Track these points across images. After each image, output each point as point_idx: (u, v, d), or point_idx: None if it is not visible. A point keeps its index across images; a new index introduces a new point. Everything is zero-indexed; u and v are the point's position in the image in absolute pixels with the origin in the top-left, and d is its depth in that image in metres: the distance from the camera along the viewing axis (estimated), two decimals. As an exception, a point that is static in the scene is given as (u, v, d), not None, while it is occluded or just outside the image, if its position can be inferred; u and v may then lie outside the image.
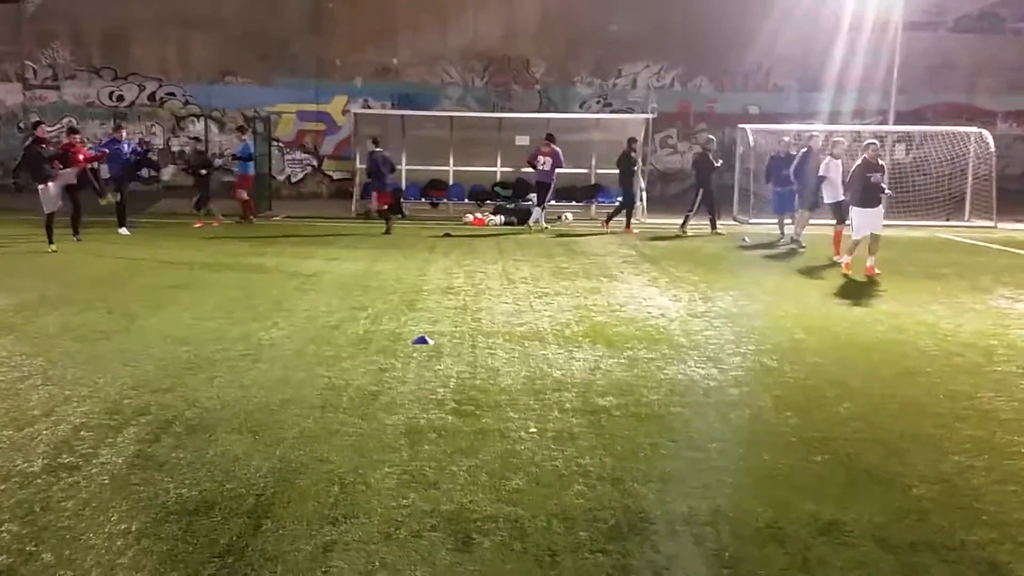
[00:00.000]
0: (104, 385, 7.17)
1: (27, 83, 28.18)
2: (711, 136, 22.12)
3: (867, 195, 13.85)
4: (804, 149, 17.31)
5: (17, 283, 11.88)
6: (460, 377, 7.63)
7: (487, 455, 5.80)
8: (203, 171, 20.40)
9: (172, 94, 28.35)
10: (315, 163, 29.03)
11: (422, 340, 8.86)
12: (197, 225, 19.45)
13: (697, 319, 10.34)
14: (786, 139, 18.89)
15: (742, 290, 12.37)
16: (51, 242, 14.98)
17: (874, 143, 14.30)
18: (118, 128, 20.05)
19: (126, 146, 18.60)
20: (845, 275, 13.72)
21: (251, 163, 21.40)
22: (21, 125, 27.62)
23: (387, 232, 18.82)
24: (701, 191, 20.02)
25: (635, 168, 20.88)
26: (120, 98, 28.24)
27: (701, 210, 20.04)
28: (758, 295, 12.06)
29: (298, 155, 28.90)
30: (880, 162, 14.28)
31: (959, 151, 22.76)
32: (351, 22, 28.33)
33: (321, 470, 5.50)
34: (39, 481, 5.27)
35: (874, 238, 13.89)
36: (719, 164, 20.39)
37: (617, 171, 20.96)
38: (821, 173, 15.89)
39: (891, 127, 24.40)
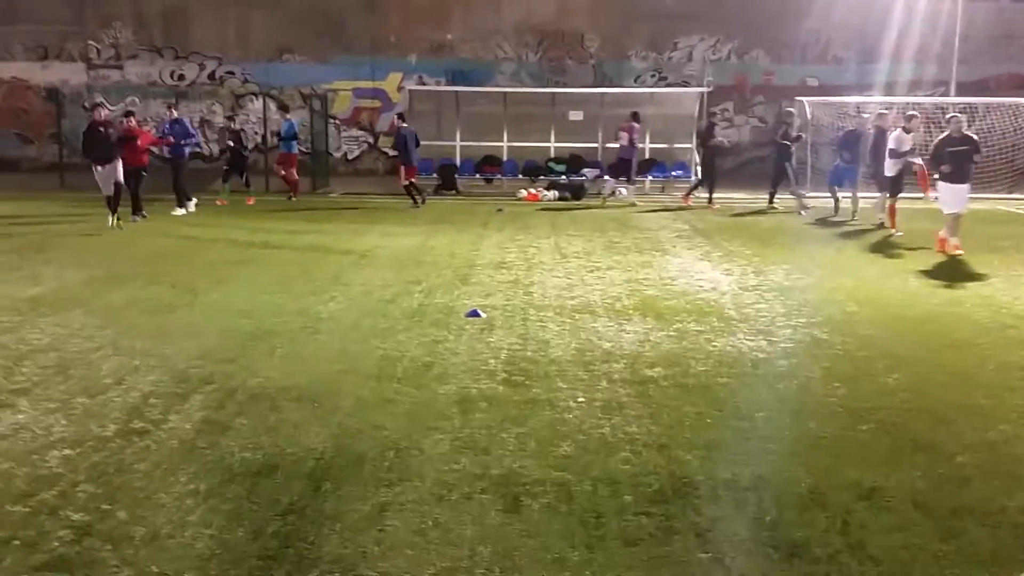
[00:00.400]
0: (171, 355, 7.48)
1: (90, 63, 28.87)
2: (789, 108, 21.70)
3: (950, 170, 13.20)
4: (873, 130, 16.96)
5: (86, 259, 12.33)
6: (511, 349, 7.80)
7: (536, 423, 5.97)
8: (230, 143, 20.82)
9: (231, 72, 28.86)
10: (371, 140, 29.37)
11: (475, 313, 9.05)
12: (250, 202, 19.85)
13: (748, 292, 10.38)
14: (866, 115, 18.51)
15: (795, 264, 12.36)
16: (116, 218, 15.44)
17: (957, 116, 13.69)
18: (169, 107, 19.94)
19: (183, 124, 18.84)
20: (952, 255, 13.05)
21: (294, 142, 21.61)
22: (85, 104, 28.33)
23: (415, 205, 19.51)
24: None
25: (713, 143, 20.52)
26: (181, 77, 28.83)
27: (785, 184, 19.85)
28: (811, 269, 12.04)
29: (354, 132, 29.26)
30: (967, 134, 13.65)
31: (1023, 122, 22.30)
32: (405, -1, 28.55)
33: (377, 436, 5.72)
34: (112, 445, 5.56)
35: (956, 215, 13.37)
36: (786, 140, 19.82)
37: (697, 145, 21.14)
38: (891, 146, 15.48)
39: (953, 99, 23.92)
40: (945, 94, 25.27)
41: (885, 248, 14.03)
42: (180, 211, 17.81)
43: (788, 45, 28.77)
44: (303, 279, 10.98)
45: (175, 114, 19.13)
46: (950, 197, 13.37)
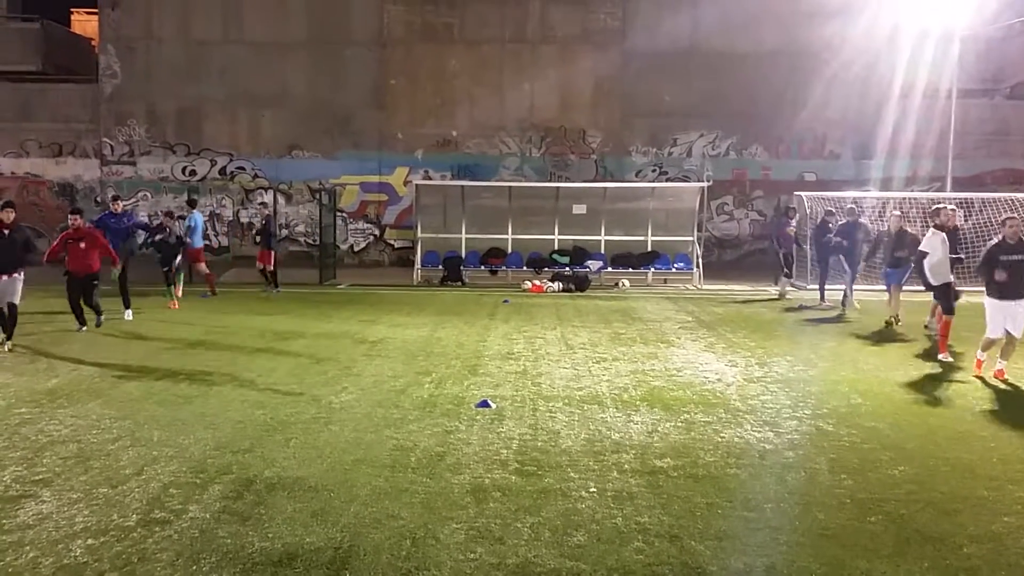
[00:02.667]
0: (188, 446, 7.62)
1: (104, 159, 29.54)
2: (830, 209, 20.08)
3: (1001, 282, 10.89)
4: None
5: (100, 351, 12.52)
6: (522, 439, 7.95)
7: (549, 513, 6.09)
8: (157, 236, 17.99)
9: (242, 168, 29.53)
10: (377, 232, 29.86)
11: (485, 404, 9.21)
12: (172, 306, 17.48)
13: (754, 384, 10.54)
14: (896, 213, 16.78)
15: (798, 356, 12.54)
16: (9, 338, 12.82)
17: (1014, 218, 11.26)
18: (114, 200, 17.09)
19: (126, 220, 16.47)
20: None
21: (196, 236, 20.17)
22: (98, 199, 28.95)
23: (275, 288, 20.73)
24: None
25: (826, 240, 18.59)
26: (193, 172, 29.49)
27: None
28: (815, 361, 12.21)
29: (361, 225, 29.77)
30: None
31: (1019, 217, 22.67)
32: (412, 97, 29.39)
33: (393, 525, 5.83)
34: (135, 535, 5.67)
35: (1010, 339, 11.07)
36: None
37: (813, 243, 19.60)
38: (923, 248, 13.14)
39: (949, 193, 24.39)
40: (941, 189, 25.79)
41: (885, 340, 14.20)
42: (127, 314, 15.78)
43: (785, 141, 29.46)
44: (315, 370, 11.16)
45: (120, 207, 16.73)
46: (997, 315, 11.16)
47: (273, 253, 21.01)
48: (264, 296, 20.15)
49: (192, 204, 21.42)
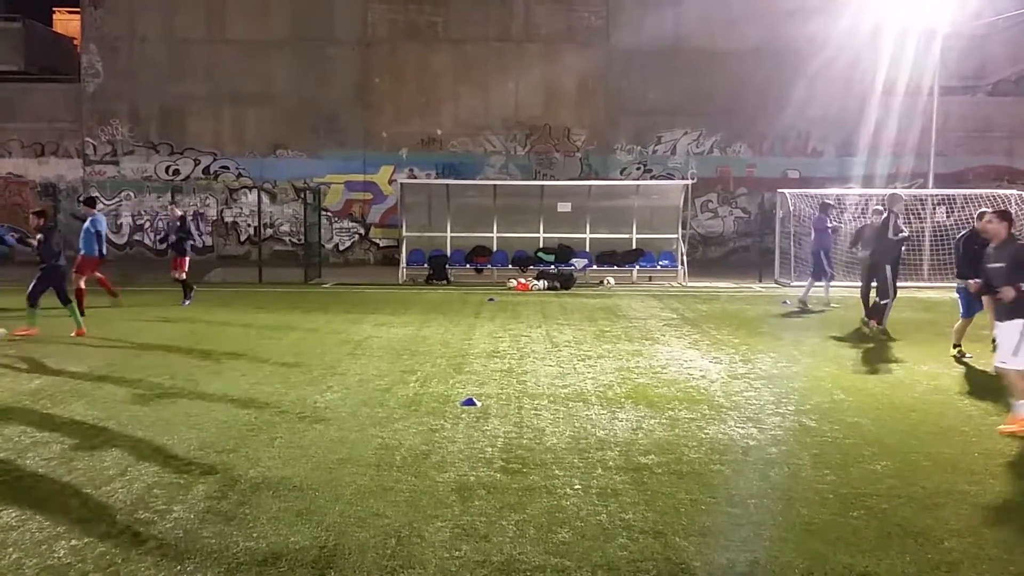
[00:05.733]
0: (172, 446, 7.60)
1: (87, 159, 29.41)
2: (878, 207, 16.09)
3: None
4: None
5: (84, 351, 12.46)
6: (507, 437, 7.96)
7: (534, 510, 6.10)
8: (31, 242, 14.34)
9: (226, 167, 29.47)
10: (362, 231, 29.84)
11: (470, 402, 9.22)
12: (18, 334, 13.73)
13: (737, 380, 10.59)
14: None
15: (782, 352, 12.59)
16: None
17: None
18: None
19: None
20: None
21: (93, 242, 16.65)
22: (80, 199, 28.78)
23: (186, 299, 18.14)
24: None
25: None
26: (176, 172, 29.40)
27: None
28: (798, 357, 12.27)
29: (346, 224, 29.74)
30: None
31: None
32: (397, 95, 29.39)
33: (378, 524, 5.84)
34: (119, 535, 5.65)
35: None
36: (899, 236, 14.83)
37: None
38: None
39: (931, 190, 24.58)
40: (923, 186, 25.95)
41: (868, 338, 14.26)
42: None
43: (768, 138, 29.60)
44: (299, 369, 11.14)
45: None
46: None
47: (187, 259, 18.53)
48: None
49: (91, 203, 17.39)
